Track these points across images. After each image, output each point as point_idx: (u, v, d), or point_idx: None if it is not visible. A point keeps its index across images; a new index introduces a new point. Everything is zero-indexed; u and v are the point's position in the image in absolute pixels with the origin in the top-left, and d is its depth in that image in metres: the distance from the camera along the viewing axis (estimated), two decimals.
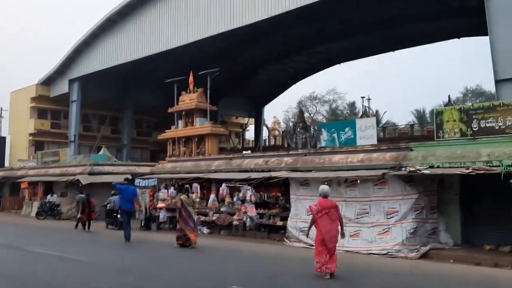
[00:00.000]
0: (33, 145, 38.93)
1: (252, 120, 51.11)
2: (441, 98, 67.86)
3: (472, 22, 29.77)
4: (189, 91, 26.10)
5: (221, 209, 16.63)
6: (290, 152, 16.33)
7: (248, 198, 15.08)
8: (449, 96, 39.87)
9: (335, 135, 14.96)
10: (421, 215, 12.17)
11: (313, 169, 14.63)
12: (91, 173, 24.42)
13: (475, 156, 11.12)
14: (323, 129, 15.56)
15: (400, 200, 12.23)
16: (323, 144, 15.45)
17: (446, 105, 38.18)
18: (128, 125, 40.65)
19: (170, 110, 26.75)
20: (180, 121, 26.35)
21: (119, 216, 18.84)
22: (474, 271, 10.06)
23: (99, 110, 40.92)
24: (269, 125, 54.53)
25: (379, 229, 12.41)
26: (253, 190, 15.17)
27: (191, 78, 26.14)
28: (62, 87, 37.41)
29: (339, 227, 9.14)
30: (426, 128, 39.22)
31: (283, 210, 15.62)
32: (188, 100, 25.80)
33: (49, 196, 24.74)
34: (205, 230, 17.54)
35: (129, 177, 18.34)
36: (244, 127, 51.90)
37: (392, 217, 12.29)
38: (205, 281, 8.66)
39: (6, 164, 40.17)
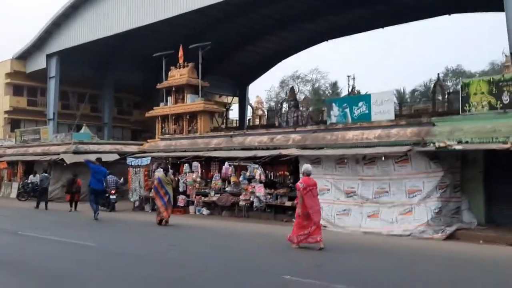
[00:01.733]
0: (8, 124, 37.01)
1: (236, 99, 50.04)
2: (420, 78, 68.03)
3: None
4: (179, 66, 24.81)
5: (226, 189, 15.70)
6: (297, 129, 15.45)
7: (257, 177, 14.17)
8: (438, 74, 39.71)
9: (347, 110, 14.10)
10: (446, 194, 11.54)
11: (325, 146, 13.82)
12: (76, 152, 23.05)
13: (508, 130, 10.46)
14: (333, 104, 14.66)
15: (424, 178, 11.54)
16: (333, 120, 14.59)
17: (435, 84, 38.01)
18: (109, 103, 39.05)
19: (159, 86, 25.42)
20: (169, 98, 25.08)
21: (111, 197, 17.79)
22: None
23: (78, 87, 39.19)
24: (253, 105, 53.48)
25: (401, 209, 11.74)
26: (262, 169, 14.26)
27: (181, 52, 24.82)
28: (39, 63, 35.44)
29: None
30: (414, 107, 38.99)
31: (291, 189, 14.81)
32: (178, 75, 24.51)
33: (31, 177, 23.29)
34: (205, 211, 16.65)
35: (101, 157, 17.76)
36: (228, 106, 50.75)
37: (415, 196, 11.62)
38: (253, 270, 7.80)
39: None
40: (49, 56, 34.52)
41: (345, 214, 12.69)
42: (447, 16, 34.49)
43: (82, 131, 30.35)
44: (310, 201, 9.60)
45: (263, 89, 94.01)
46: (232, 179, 15.11)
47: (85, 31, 32.33)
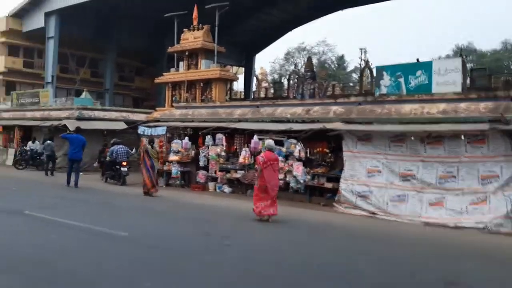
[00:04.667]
0: (3, 86, 34.72)
1: (241, 70, 47.92)
2: (428, 56, 66.03)
3: None
4: (192, 28, 22.64)
5: (256, 166, 13.89)
6: (338, 100, 13.60)
7: (295, 154, 12.35)
8: (461, 51, 37.84)
9: (401, 79, 12.24)
10: None
11: (375, 121, 12.02)
12: (79, 119, 21.10)
13: None
14: (384, 72, 12.76)
15: (502, 162, 9.83)
16: (383, 90, 12.73)
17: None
18: (111, 68, 36.78)
19: (170, 49, 23.24)
20: (181, 63, 22.99)
21: (122, 169, 15.99)
22: None
23: (78, 50, 36.81)
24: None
25: (472, 197, 10.05)
26: (302, 145, 12.44)
27: (195, 13, 22.58)
28: (37, 21, 32.97)
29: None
30: None
31: (331, 169, 13.10)
32: (192, 38, 22.32)
33: (30, 143, 21.34)
34: (226, 189, 14.93)
35: (80, 126, 17.75)
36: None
37: (490, 182, 9.92)
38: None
39: None
40: (47, 15, 32.10)
41: (401, 201, 10.99)
42: None
43: (82, 96, 28.29)
44: (269, 175, 9.76)
45: (267, 60, 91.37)
46: None
47: None
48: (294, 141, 12.58)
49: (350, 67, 62.71)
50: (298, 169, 12.33)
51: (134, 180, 15.78)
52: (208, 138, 14.84)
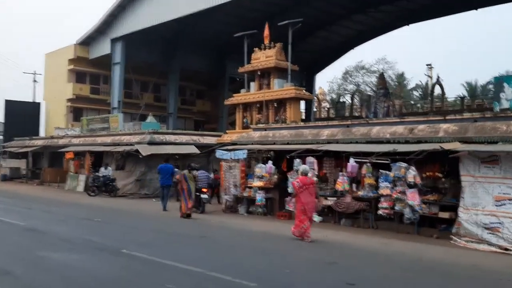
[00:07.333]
0: (71, 112, 35.31)
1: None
2: (494, 71, 62.24)
3: None
4: (263, 47, 21.77)
5: (359, 193, 12.47)
6: (448, 117, 12.02)
7: (409, 180, 10.79)
8: None
9: None
10: None
11: (501, 140, 10.36)
12: (151, 143, 20.52)
13: None
14: (505, 84, 11.19)
15: None
16: (505, 105, 11.13)
17: None
18: (174, 92, 36.63)
19: (241, 69, 22.44)
20: (252, 83, 22.09)
21: (203, 196, 14.99)
22: None
23: (142, 75, 37.01)
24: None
25: None
26: (415, 169, 10.89)
27: (266, 32, 21.75)
28: (103, 48, 33.49)
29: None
30: (477, 102, 33.82)
31: (444, 196, 11.46)
32: (264, 57, 21.43)
33: (102, 169, 20.92)
34: (316, 217, 13.40)
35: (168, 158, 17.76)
36: None
37: None
38: None
39: (41, 132, 36.78)
40: (113, 41, 32.50)
41: None
42: None
43: (148, 120, 28.10)
44: (306, 197, 10.39)
45: (324, 80, 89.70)
46: (368, 180, 11.83)
47: (151, 13, 30.00)
48: (404, 164, 11.05)
49: (411, 85, 60.26)
50: (414, 197, 10.71)
51: (210, 208, 14.76)
52: (297, 162, 13.58)
